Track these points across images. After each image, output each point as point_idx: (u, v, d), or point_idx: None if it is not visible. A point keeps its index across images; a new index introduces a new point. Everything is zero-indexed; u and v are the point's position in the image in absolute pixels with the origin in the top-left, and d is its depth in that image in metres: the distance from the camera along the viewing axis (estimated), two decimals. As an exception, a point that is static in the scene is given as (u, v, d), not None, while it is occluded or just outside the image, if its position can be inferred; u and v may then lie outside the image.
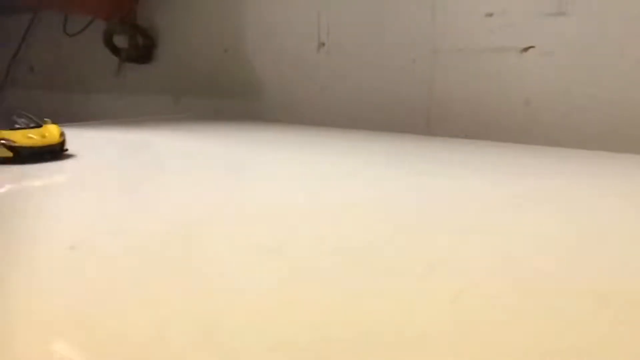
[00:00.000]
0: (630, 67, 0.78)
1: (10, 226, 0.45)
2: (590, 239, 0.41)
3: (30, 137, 0.67)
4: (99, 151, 0.81)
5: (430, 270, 0.35)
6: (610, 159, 0.71)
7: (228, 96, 1.28)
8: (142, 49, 1.42)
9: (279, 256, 0.37)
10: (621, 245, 0.40)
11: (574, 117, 0.83)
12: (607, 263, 0.36)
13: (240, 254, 0.38)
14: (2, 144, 0.66)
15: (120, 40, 1.45)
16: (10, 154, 0.66)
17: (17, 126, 0.69)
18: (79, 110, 1.60)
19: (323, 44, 1.11)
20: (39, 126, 0.70)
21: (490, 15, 0.89)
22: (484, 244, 0.40)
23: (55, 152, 0.70)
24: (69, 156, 0.71)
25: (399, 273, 0.35)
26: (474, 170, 0.66)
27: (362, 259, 0.37)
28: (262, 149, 0.84)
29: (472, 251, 0.39)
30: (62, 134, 0.71)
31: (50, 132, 0.70)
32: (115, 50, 1.46)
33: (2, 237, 0.43)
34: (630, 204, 0.51)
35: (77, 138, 0.76)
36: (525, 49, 0.86)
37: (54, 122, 0.73)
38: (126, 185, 0.63)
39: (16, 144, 0.66)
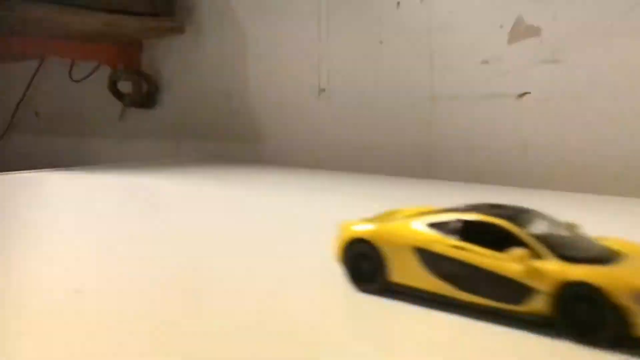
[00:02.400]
0: (623, 113, 0.80)
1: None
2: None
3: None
4: (98, 196, 0.82)
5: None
6: (605, 203, 0.72)
7: (230, 140, 1.29)
8: (145, 94, 1.45)
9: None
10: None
11: (570, 162, 0.84)
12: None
13: (243, 294, 0.39)
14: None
15: (125, 86, 1.48)
16: None
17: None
18: (82, 155, 1.62)
19: (323, 90, 1.13)
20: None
21: (486, 62, 0.91)
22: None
23: None
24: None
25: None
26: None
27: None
28: (260, 192, 0.85)
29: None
30: None
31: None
32: (119, 95, 1.49)
33: None
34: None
35: (78, 182, 0.76)
36: (521, 95, 0.88)
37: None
38: (124, 229, 0.63)
39: None
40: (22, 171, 1.01)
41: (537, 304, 0.30)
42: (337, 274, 0.39)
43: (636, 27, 0.78)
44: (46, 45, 1.43)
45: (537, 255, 0.31)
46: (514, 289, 0.31)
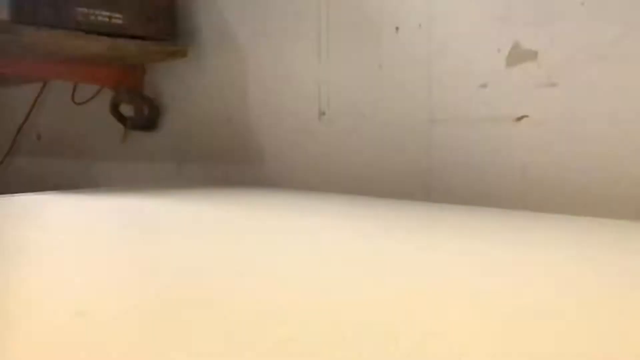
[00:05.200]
0: (620, 136, 0.80)
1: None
2: (589, 310, 0.42)
3: None
4: (99, 217, 0.82)
5: (429, 335, 0.36)
6: (604, 225, 0.72)
7: (231, 163, 1.30)
8: (147, 117, 1.46)
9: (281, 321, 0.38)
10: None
11: (569, 184, 0.84)
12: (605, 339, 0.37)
13: (245, 319, 0.39)
14: None
15: (127, 109, 1.49)
16: None
17: None
18: (84, 178, 1.62)
19: (324, 113, 1.14)
20: None
21: (485, 86, 0.93)
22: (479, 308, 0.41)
23: None
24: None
25: (395, 341, 0.35)
26: (469, 235, 0.67)
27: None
28: (261, 215, 0.85)
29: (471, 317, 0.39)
30: None
31: None
32: (121, 118, 1.50)
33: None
34: (623, 272, 0.51)
35: (80, 205, 0.77)
36: (519, 119, 0.89)
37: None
38: (124, 250, 0.64)
39: None
40: (23, 194, 1.02)
41: None
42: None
43: (631, 52, 0.79)
44: (50, 69, 1.45)
45: None
46: None
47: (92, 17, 1.21)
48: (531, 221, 0.77)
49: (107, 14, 1.23)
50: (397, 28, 1.03)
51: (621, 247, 0.61)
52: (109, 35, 1.24)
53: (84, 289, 0.48)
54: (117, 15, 1.24)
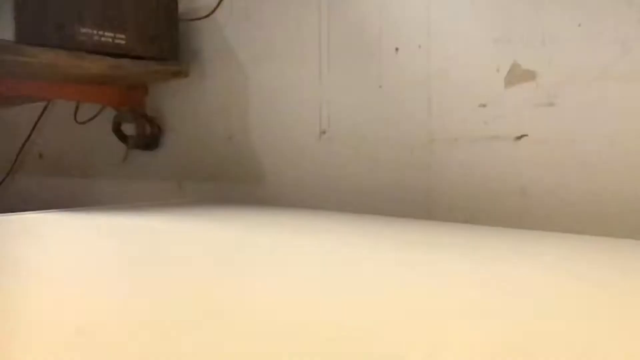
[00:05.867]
0: (619, 156, 0.81)
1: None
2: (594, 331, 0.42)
3: None
4: (100, 235, 0.83)
5: (432, 355, 0.36)
6: (603, 244, 0.73)
7: (231, 181, 1.31)
8: (149, 136, 1.47)
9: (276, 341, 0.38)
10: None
11: (568, 203, 0.85)
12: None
13: (243, 339, 0.39)
14: None
15: (129, 128, 1.50)
16: None
17: None
18: (85, 196, 1.63)
19: (324, 132, 1.15)
20: None
21: (484, 106, 0.93)
22: (483, 328, 0.41)
23: None
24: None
25: (400, 358, 0.35)
26: (469, 254, 0.67)
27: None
28: (260, 233, 0.85)
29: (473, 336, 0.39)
30: None
31: None
32: (123, 137, 1.51)
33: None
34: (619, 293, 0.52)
35: (81, 223, 0.77)
36: (519, 138, 0.90)
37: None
38: (124, 271, 0.64)
39: None
40: (25, 212, 1.02)
41: None
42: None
43: (629, 72, 0.80)
44: (53, 89, 1.46)
45: None
46: None
47: (96, 38, 1.22)
48: (531, 240, 0.77)
49: (111, 34, 1.25)
50: (397, 49, 1.04)
51: (621, 266, 0.61)
52: (112, 55, 1.25)
53: (84, 307, 0.48)
54: (120, 35, 1.26)
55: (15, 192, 1.89)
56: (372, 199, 1.06)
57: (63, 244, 0.78)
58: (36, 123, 1.82)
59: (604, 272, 0.58)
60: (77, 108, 1.67)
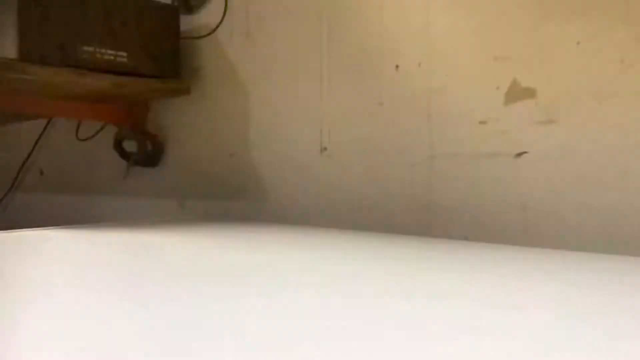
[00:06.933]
0: (619, 173, 0.81)
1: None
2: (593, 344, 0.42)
3: None
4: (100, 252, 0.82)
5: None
6: (604, 262, 0.72)
7: (232, 199, 1.31)
8: (150, 153, 1.48)
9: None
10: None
11: (568, 220, 0.85)
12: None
13: (246, 356, 0.39)
14: None
15: (130, 145, 1.50)
16: None
17: None
18: (86, 213, 1.63)
19: (325, 149, 1.15)
20: None
21: (484, 122, 0.94)
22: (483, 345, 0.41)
23: None
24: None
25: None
26: (468, 271, 0.67)
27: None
28: (262, 251, 0.85)
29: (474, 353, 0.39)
30: None
31: None
32: (124, 154, 1.51)
33: None
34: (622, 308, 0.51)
35: (81, 240, 0.77)
36: (519, 155, 0.90)
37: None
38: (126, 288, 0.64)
39: None
40: (26, 229, 1.02)
41: None
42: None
43: (628, 89, 0.80)
44: (55, 106, 1.47)
45: None
46: None
47: (98, 56, 1.23)
48: (531, 257, 0.77)
49: (113, 52, 1.26)
50: (397, 66, 1.04)
51: (622, 283, 0.61)
52: (113, 73, 1.26)
53: (85, 325, 0.47)
54: (122, 53, 1.27)
55: (16, 208, 1.90)
56: (372, 215, 1.06)
57: (64, 261, 0.78)
58: (38, 140, 1.83)
59: (605, 290, 0.58)
60: (78, 125, 1.68)
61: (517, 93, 0.90)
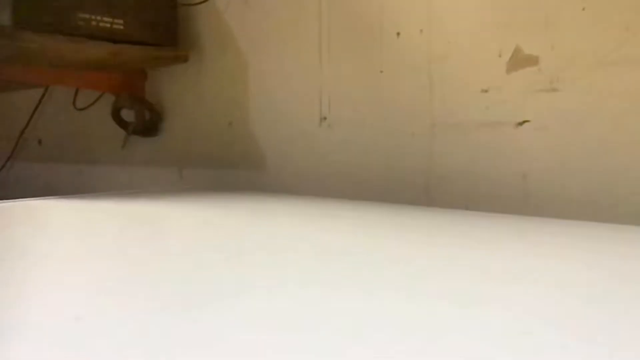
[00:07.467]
0: (623, 141, 0.80)
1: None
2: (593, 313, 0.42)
3: None
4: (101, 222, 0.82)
5: (431, 342, 0.35)
6: (605, 230, 0.72)
7: (232, 168, 1.30)
8: (148, 122, 1.47)
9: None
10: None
11: (569, 189, 0.84)
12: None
13: (246, 328, 0.39)
14: None
15: (128, 114, 1.49)
16: None
17: None
18: (85, 183, 1.62)
19: (325, 118, 1.14)
20: None
21: (486, 91, 0.93)
22: (484, 315, 0.40)
23: None
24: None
25: (398, 344, 0.35)
26: (469, 240, 0.67)
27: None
28: (261, 221, 0.85)
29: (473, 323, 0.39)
30: None
31: None
32: (122, 123, 1.50)
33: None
34: (621, 278, 0.51)
35: (80, 210, 0.77)
36: (521, 124, 0.89)
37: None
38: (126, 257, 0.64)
39: None
40: (24, 199, 1.02)
41: None
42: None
43: (632, 56, 0.79)
44: (51, 75, 1.45)
45: None
46: None
47: (94, 23, 1.21)
48: (532, 226, 0.77)
49: (109, 19, 1.23)
50: (398, 33, 1.03)
51: (623, 252, 0.61)
52: (110, 40, 1.24)
53: (83, 294, 0.47)
54: (119, 20, 1.25)
55: (14, 178, 1.89)
56: (372, 184, 1.06)
57: (62, 230, 0.78)
58: (35, 109, 1.81)
59: (607, 259, 0.58)
60: (76, 94, 1.66)
61: (519, 60, 0.89)
